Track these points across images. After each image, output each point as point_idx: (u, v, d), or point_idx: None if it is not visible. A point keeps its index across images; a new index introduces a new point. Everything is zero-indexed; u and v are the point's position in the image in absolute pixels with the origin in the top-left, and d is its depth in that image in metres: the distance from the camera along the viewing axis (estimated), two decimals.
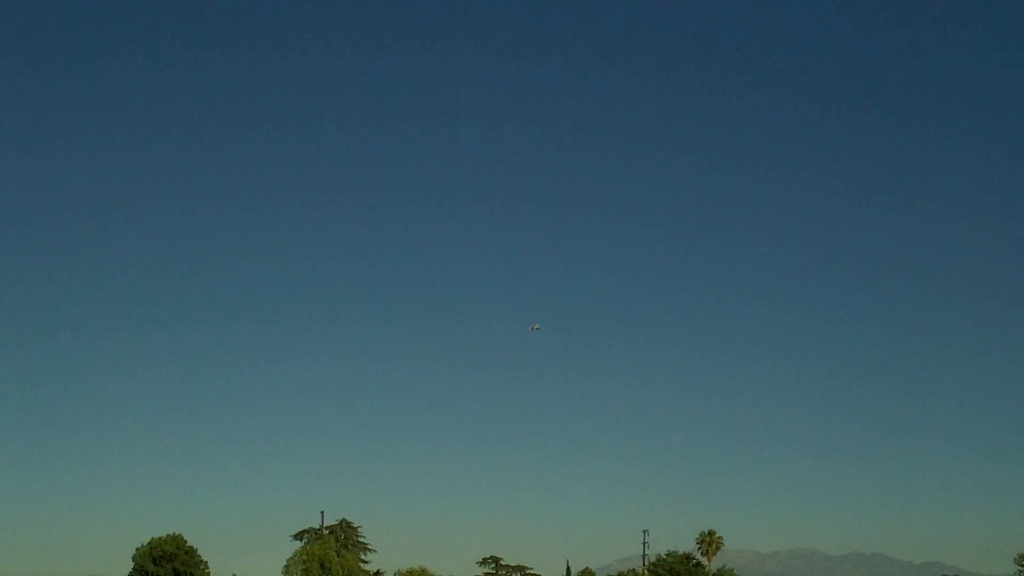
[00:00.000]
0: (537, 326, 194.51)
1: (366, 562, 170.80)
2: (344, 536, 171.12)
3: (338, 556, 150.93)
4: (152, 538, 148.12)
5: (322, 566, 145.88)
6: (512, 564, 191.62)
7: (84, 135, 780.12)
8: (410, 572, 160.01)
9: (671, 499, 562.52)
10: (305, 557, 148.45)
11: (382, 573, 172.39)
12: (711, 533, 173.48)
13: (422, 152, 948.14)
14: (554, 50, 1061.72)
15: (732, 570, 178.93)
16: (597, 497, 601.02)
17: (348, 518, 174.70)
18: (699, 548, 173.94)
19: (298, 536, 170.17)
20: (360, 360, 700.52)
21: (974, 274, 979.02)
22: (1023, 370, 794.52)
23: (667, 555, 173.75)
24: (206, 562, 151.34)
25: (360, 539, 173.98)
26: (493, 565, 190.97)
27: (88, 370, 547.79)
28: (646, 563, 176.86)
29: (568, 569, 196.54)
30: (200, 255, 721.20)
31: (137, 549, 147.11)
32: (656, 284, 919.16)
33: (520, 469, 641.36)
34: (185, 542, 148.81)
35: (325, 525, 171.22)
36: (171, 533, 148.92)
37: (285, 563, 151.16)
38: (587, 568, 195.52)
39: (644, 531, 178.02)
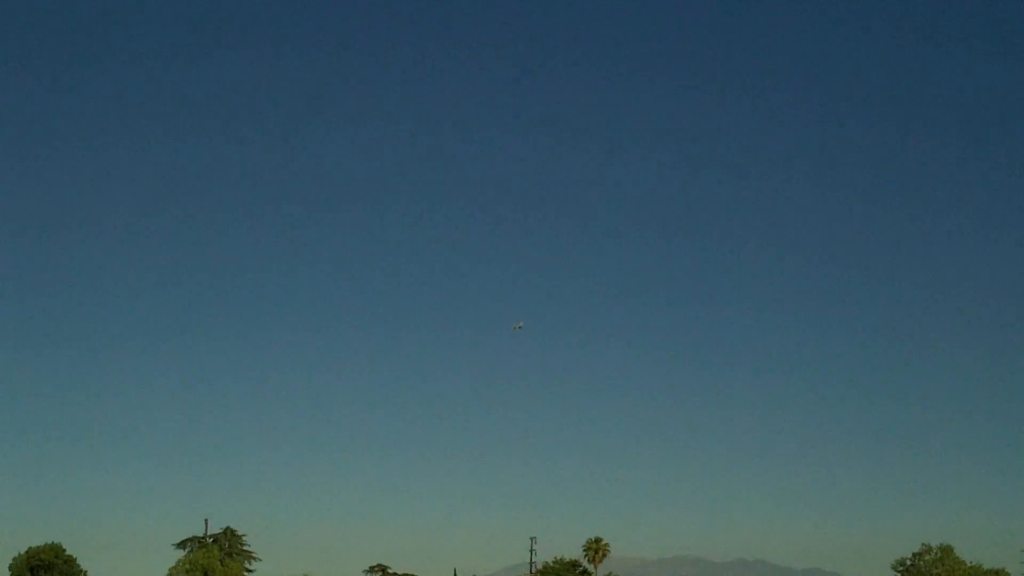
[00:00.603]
0: (521, 324, 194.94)
1: (251, 571, 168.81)
2: (229, 544, 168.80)
3: (222, 565, 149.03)
4: (30, 547, 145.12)
5: (206, 575, 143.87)
6: (399, 572, 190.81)
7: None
8: None
9: (559, 506, 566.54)
10: (188, 566, 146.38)
11: None
12: (598, 540, 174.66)
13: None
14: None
15: None
16: (485, 504, 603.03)
17: (233, 526, 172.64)
18: (586, 555, 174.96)
19: (181, 544, 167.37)
20: (242, 368, 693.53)
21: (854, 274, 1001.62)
22: (901, 384, 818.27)
23: (554, 562, 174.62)
24: (86, 571, 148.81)
25: (245, 547, 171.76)
26: (380, 573, 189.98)
27: None
28: (533, 570, 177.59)
29: None
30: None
31: (14, 558, 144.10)
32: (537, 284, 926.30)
33: (407, 476, 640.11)
34: (64, 551, 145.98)
35: (209, 533, 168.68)
36: (49, 542, 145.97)
37: (168, 572, 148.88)
38: (474, 575, 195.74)
39: (532, 538, 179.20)
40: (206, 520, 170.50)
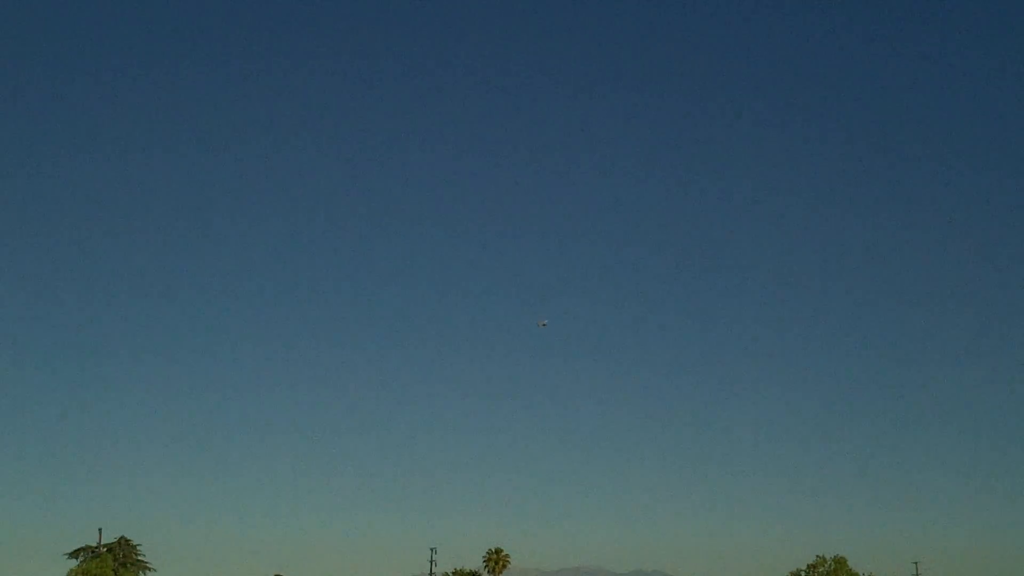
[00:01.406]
0: (545, 322, 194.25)
1: None
2: (123, 554, 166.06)
3: (116, 575, 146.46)
4: None
5: None
6: None
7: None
8: None
9: (458, 516, 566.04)
10: None
11: None
12: (498, 551, 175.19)
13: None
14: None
15: None
16: (384, 513, 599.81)
17: (127, 536, 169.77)
18: (486, 566, 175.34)
19: (73, 554, 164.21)
20: (134, 374, 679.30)
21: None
22: (792, 393, 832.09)
23: (454, 573, 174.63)
24: None
25: (140, 558, 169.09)
26: None
27: None
28: None
29: None
30: None
31: None
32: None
33: (304, 484, 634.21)
34: None
35: (103, 543, 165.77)
36: None
37: None
38: None
39: (432, 549, 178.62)
40: (99, 529, 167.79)
